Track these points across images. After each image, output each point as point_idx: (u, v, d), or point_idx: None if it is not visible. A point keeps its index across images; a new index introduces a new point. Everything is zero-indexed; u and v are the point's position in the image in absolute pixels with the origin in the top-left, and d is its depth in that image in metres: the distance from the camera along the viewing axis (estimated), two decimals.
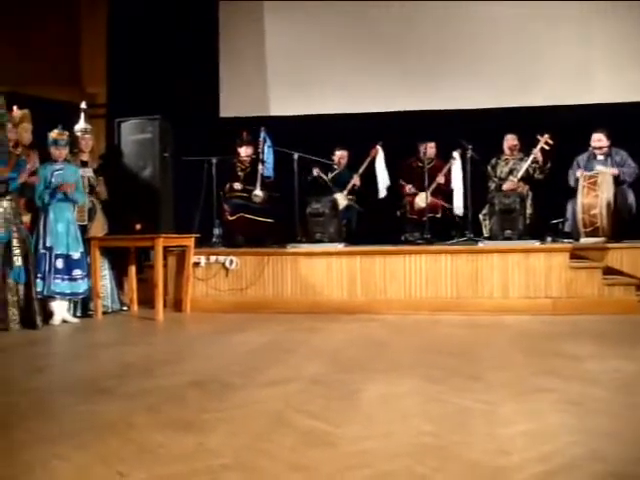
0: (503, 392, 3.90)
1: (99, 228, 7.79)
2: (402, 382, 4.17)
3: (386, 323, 6.88)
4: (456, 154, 8.51)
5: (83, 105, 7.97)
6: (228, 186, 8.81)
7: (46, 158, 7.36)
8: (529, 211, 8.26)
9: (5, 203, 6.80)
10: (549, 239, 8.02)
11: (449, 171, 8.71)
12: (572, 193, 8.21)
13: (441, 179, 8.83)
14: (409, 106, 9.65)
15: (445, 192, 8.80)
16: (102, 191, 7.80)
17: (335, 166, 9.31)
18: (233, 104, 10.28)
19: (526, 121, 8.95)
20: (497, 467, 2.70)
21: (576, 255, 7.52)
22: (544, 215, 8.58)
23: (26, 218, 7.24)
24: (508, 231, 7.69)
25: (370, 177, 9.07)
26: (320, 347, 5.62)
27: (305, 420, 3.36)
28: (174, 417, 3.45)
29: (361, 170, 9.10)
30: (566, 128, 8.49)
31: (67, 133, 7.45)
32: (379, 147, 8.99)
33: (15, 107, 7.34)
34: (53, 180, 7.12)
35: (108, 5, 9.97)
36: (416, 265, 7.60)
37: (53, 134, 7.28)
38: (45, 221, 7.11)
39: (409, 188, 8.99)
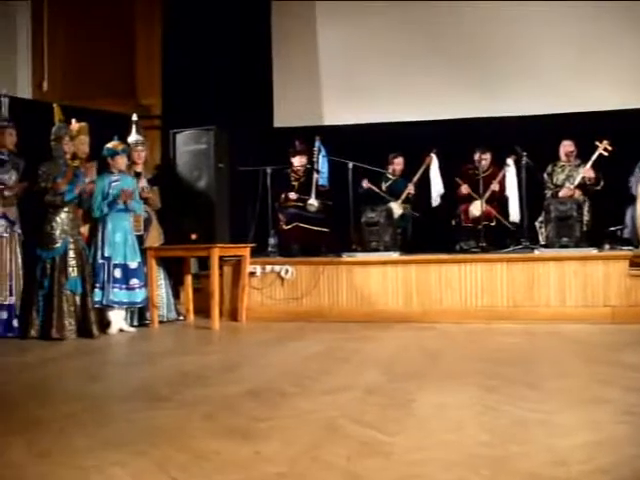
0: (561, 401, 3.85)
1: (155, 238, 7.89)
2: (457, 391, 4.14)
3: (441, 332, 6.84)
4: (510, 161, 8.43)
5: (135, 117, 8.10)
6: (283, 196, 8.84)
7: (103, 170, 7.49)
8: (586, 218, 8.13)
9: (62, 215, 6.94)
10: (607, 246, 7.88)
11: (503, 178, 8.62)
12: (631, 199, 8.06)
13: (496, 186, 8.73)
14: (464, 113, 9.56)
15: (500, 200, 8.71)
16: (156, 201, 7.90)
17: (390, 175, 9.28)
18: (287, 114, 10.31)
19: (584, 127, 8.80)
20: (554, 479, 2.66)
21: (636, 263, 7.37)
22: (602, 222, 8.42)
23: (84, 229, 7.37)
24: (565, 239, 7.58)
25: (425, 185, 9.01)
26: (375, 356, 5.61)
27: (360, 429, 3.35)
28: (230, 425, 3.47)
29: (415, 178, 9.04)
30: (626, 133, 8.32)
31: (125, 143, 7.59)
32: (433, 155, 8.94)
33: (73, 120, 7.49)
34: (111, 191, 7.24)
35: (162, 18, 10.08)
36: (471, 274, 7.54)
37: (111, 145, 7.40)
38: (103, 231, 7.22)
39: (465, 187, 8.88)
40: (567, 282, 7.28)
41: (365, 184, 8.98)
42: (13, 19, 10.25)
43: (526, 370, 4.79)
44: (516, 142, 8.36)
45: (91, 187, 7.31)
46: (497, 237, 8.48)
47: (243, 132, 9.29)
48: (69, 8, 10.52)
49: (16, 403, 4.13)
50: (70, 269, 6.87)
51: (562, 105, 9.29)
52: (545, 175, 8.82)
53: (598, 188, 8.47)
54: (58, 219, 6.91)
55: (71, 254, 6.90)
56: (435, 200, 8.93)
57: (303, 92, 10.32)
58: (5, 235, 7.01)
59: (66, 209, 6.96)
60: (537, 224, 8.41)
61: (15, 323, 6.94)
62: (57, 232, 6.88)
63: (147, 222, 7.81)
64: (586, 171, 8.44)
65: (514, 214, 8.45)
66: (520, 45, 9.61)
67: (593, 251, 7.43)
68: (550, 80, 9.43)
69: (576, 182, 8.52)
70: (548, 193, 8.72)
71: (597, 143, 8.40)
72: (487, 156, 8.97)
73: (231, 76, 9.72)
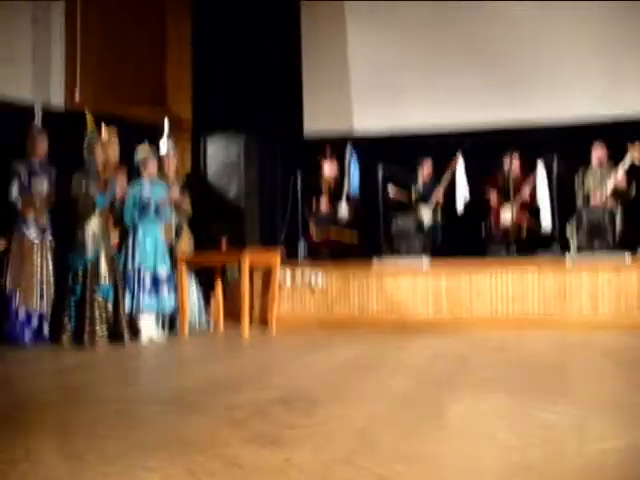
0: (593, 407, 3.80)
1: (186, 245, 7.92)
2: (489, 398, 4.10)
3: (472, 340, 6.80)
4: (541, 167, 8.36)
5: (166, 125, 8.14)
6: (314, 203, 8.84)
7: (133, 177, 7.54)
8: (619, 225, 8.04)
9: (94, 222, 7.01)
10: None
11: (534, 184, 8.55)
12: None
13: (526, 193, 8.66)
14: (494, 117, 9.50)
15: (531, 206, 8.64)
16: (187, 209, 7.94)
17: (419, 180, 9.24)
18: (317, 120, 10.29)
19: (616, 131, 8.69)
20: None
21: None
22: (635, 229, 8.31)
23: (115, 236, 7.42)
24: (597, 246, 7.52)
25: (454, 191, 8.95)
26: (405, 363, 5.59)
27: (391, 437, 3.33)
28: (260, 432, 3.46)
29: (444, 183, 8.98)
30: None
31: (155, 149, 7.64)
32: (459, 155, 8.87)
33: (102, 124, 7.54)
34: (142, 198, 7.29)
35: (192, 26, 10.15)
36: (502, 281, 7.50)
37: (142, 149, 7.46)
38: (134, 239, 7.27)
39: (494, 196, 8.80)
40: (600, 289, 7.22)
41: (391, 192, 8.92)
42: (48, 30, 10.36)
43: (558, 376, 4.76)
44: (546, 147, 8.30)
45: (122, 194, 7.36)
46: (528, 244, 8.41)
47: (273, 139, 9.33)
48: (101, 17, 10.61)
49: (49, 407, 4.17)
50: (101, 276, 6.92)
51: (593, 109, 9.19)
52: (576, 181, 8.71)
53: (630, 195, 8.35)
54: (90, 227, 6.97)
55: (102, 261, 6.96)
56: (460, 204, 8.85)
57: (333, 98, 10.31)
58: (37, 242, 7.09)
59: (98, 216, 7.02)
60: (568, 231, 8.32)
61: (46, 330, 7.02)
62: (89, 239, 6.94)
63: (178, 229, 7.85)
64: (618, 181, 8.32)
65: (545, 221, 8.37)
66: (551, 48, 9.51)
67: (626, 257, 7.35)
68: (581, 84, 9.33)
69: (608, 189, 8.41)
70: (579, 199, 8.62)
71: (629, 148, 8.29)
72: (517, 161, 8.90)
73: (261, 83, 9.72)
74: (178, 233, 7.84)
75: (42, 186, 7.19)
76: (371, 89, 10.12)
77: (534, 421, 3.54)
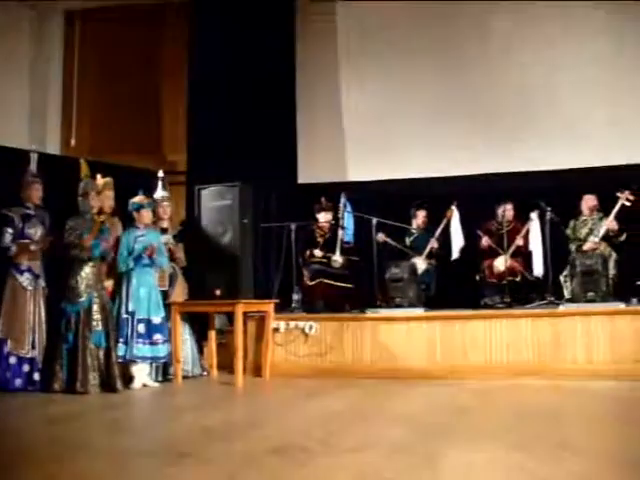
0: (593, 462, 3.72)
1: (180, 293, 7.91)
2: (485, 449, 4.07)
3: (467, 388, 6.76)
4: (534, 216, 8.41)
5: (161, 173, 8.19)
6: (308, 252, 8.85)
7: (128, 225, 7.56)
8: (612, 272, 8.05)
9: (87, 269, 7.01)
10: (635, 300, 7.77)
11: (527, 233, 8.59)
12: None
13: (520, 241, 8.68)
14: (485, 168, 9.57)
15: (524, 254, 8.66)
16: (181, 258, 7.95)
17: (414, 230, 9.27)
18: (311, 170, 10.34)
19: (605, 180, 8.77)
20: None
21: None
22: (628, 276, 8.32)
23: (108, 283, 7.41)
24: (591, 293, 7.52)
25: (448, 239, 8.98)
26: (400, 413, 5.55)
27: None
28: None
29: (437, 233, 9.02)
30: None
31: (150, 198, 7.67)
32: (454, 207, 8.93)
33: (98, 175, 7.58)
34: (136, 246, 7.30)
35: (188, 76, 10.25)
36: (496, 330, 7.48)
37: (137, 199, 7.49)
38: (127, 286, 7.26)
39: (485, 240, 8.82)
40: (594, 337, 7.19)
41: (380, 238, 8.91)
42: (46, 77, 10.49)
43: (555, 428, 4.71)
44: (539, 197, 8.35)
45: (116, 242, 7.37)
46: (522, 292, 8.41)
47: (268, 188, 9.36)
48: (98, 66, 10.77)
49: (37, 458, 4.11)
50: (94, 323, 6.90)
51: (584, 160, 9.27)
52: (568, 230, 8.76)
53: (622, 239, 8.41)
54: (83, 273, 6.97)
55: (95, 308, 6.95)
56: (455, 253, 8.89)
57: (327, 149, 10.38)
58: (30, 288, 7.09)
59: (91, 263, 7.02)
60: (562, 278, 8.34)
61: (37, 376, 6.98)
62: (82, 286, 6.94)
63: (172, 277, 7.85)
64: (609, 223, 8.39)
65: (538, 269, 8.39)
66: (542, 102, 9.62)
67: (620, 305, 7.35)
68: (571, 136, 9.42)
69: (600, 235, 8.44)
70: (572, 247, 8.66)
71: (618, 194, 8.36)
72: (510, 211, 8.95)
73: (256, 133, 9.78)
74: (172, 281, 7.84)
75: (36, 232, 7.20)
76: (365, 138, 10.19)
77: (532, 476, 3.48)
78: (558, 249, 8.41)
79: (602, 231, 8.45)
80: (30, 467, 3.91)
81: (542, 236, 8.34)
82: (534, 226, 8.42)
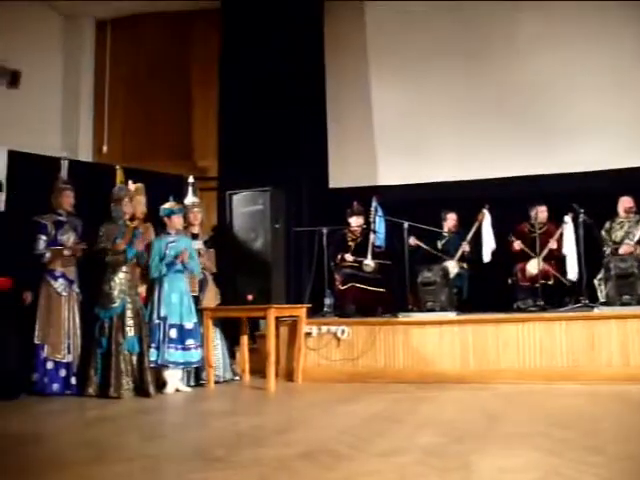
0: (628, 467, 3.68)
1: (212, 299, 7.95)
2: (517, 455, 4.03)
3: (499, 393, 6.71)
4: (568, 218, 8.33)
5: (191, 179, 8.23)
6: (339, 256, 8.83)
7: (159, 231, 7.61)
8: None
9: (121, 275, 7.07)
10: None
11: (561, 236, 8.51)
12: None
13: (553, 244, 8.60)
14: (518, 170, 9.51)
15: (558, 257, 8.58)
16: (211, 265, 7.98)
17: (445, 233, 9.23)
18: (342, 174, 10.34)
19: None
20: None
21: None
22: None
23: (141, 289, 7.48)
24: (626, 296, 7.42)
25: (480, 243, 8.92)
26: (432, 417, 5.52)
27: None
28: None
29: (469, 236, 8.97)
30: None
31: (181, 204, 7.72)
32: (486, 211, 8.88)
33: (130, 181, 7.65)
34: (168, 252, 7.34)
35: (219, 82, 10.29)
36: (530, 333, 7.40)
37: (168, 205, 7.54)
38: (160, 292, 7.31)
39: (517, 244, 8.76)
40: (630, 341, 7.09)
41: (413, 241, 8.89)
42: (78, 85, 10.61)
43: (589, 432, 4.65)
44: (572, 199, 8.27)
45: (148, 247, 7.42)
46: (555, 296, 8.34)
47: (299, 193, 9.36)
48: (129, 73, 10.87)
49: (71, 460, 4.15)
50: (127, 328, 6.96)
51: (619, 160, 9.17)
52: (603, 232, 8.67)
53: None
54: (116, 279, 7.04)
55: (129, 314, 7.01)
56: (486, 256, 8.82)
57: (358, 152, 10.37)
58: (64, 294, 7.18)
59: (124, 269, 7.08)
60: (596, 282, 8.25)
61: (73, 381, 7.10)
62: (115, 292, 7.00)
63: (203, 283, 7.88)
64: None
65: (572, 272, 8.32)
66: (576, 102, 9.53)
67: None
68: (606, 136, 9.32)
69: (636, 238, 8.35)
70: (607, 250, 8.56)
71: None
72: (544, 212, 8.87)
73: (286, 138, 9.78)
74: (203, 287, 7.87)
75: (69, 238, 7.28)
76: (396, 141, 10.16)
77: None
78: (591, 252, 8.32)
79: (638, 234, 8.35)
80: (70, 468, 3.95)
81: (576, 239, 8.25)
82: (568, 229, 8.34)
